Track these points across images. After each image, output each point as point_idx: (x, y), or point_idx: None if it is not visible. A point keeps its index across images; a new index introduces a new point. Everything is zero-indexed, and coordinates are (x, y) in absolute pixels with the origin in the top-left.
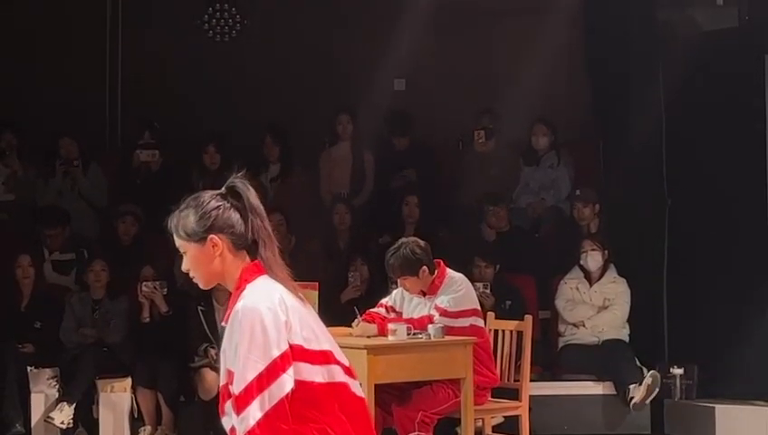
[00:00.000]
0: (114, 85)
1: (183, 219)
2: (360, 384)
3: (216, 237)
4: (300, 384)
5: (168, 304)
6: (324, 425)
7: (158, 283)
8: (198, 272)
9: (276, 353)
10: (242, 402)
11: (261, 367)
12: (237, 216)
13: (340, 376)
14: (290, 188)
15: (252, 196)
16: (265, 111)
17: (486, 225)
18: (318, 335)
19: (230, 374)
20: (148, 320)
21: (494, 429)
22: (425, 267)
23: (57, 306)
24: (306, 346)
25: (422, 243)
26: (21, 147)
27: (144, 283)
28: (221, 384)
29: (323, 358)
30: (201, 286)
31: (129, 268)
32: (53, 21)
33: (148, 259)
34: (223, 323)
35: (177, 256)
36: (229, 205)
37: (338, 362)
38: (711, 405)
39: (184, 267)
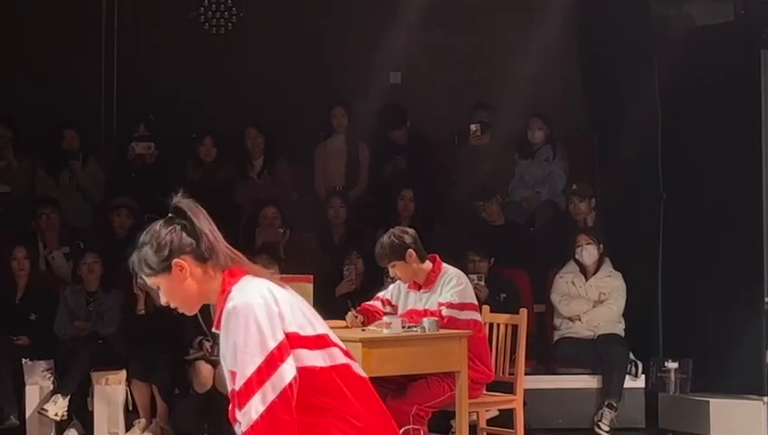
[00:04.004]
0: (110, 77)
1: (143, 257)
2: None
3: (180, 260)
4: (303, 371)
5: None
6: (341, 413)
7: None
8: (177, 300)
9: (273, 345)
10: (243, 397)
11: (259, 360)
12: (189, 234)
13: (341, 358)
14: (282, 181)
15: (196, 215)
16: (261, 104)
17: (480, 219)
18: (311, 320)
19: (233, 376)
20: (143, 312)
21: (489, 422)
22: (411, 251)
23: (52, 299)
24: (302, 333)
25: (409, 230)
26: (16, 139)
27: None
28: (229, 389)
29: (321, 342)
30: (187, 313)
31: (124, 261)
32: (49, 14)
33: None
34: (214, 329)
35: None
36: (180, 226)
37: (335, 344)
38: (705, 399)
39: (162, 301)
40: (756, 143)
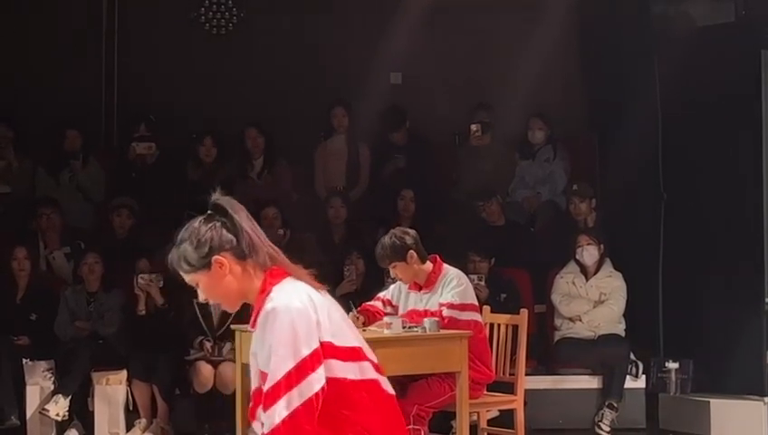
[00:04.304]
0: (110, 77)
1: (182, 254)
2: None
3: (220, 257)
4: (332, 381)
5: (163, 296)
6: (362, 429)
7: (153, 275)
8: (217, 296)
9: (306, 352)
10: (269, 399)
11: (290, 365)
12: (229, 231)
13: (371, 373)
14: (282, 181)
15: (237, 213)
16: (261, 104)
17: (481, 219)
18: (346, 332)
19: (263, 376)
20: (143, 313)
21: (490, 422)
22: (412, 252)
23: (53, 299)
24: (336, 343)
25: (410, 231)
26: (16, 139)
27: (140, 275)
28: (253, 388)
29: (354, 355)
30: (228, 310)
31: (124, 261)
32: (50, 14)
33: (143, 252)
34: (250, 328)
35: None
36: (220, 223)
37: (367, 359)
38: (706, 399)
39: (201, 298)
40: (757, 143)
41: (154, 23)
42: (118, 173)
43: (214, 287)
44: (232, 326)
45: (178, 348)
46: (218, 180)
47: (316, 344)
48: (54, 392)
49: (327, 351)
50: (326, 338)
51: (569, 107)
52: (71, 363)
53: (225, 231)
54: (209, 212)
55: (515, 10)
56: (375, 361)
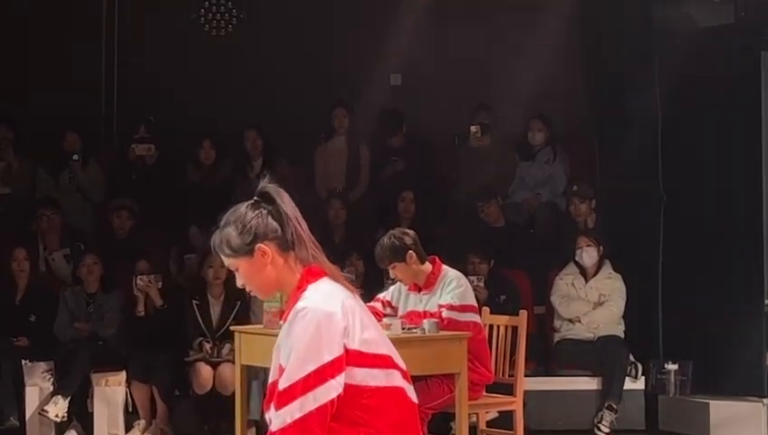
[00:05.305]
0: (110, 79)
1: (226, 237)
2: None
3: (264, 246)
4: (353, 389)
5: (163, 297)
6: (374, 431)
7: (152, 276)
8: (254, 284)
9: (328, 358)
10: (283, 399)
11: (310, 369)
12: (275, 220)
13: (398, 380)
14: (281, 182)
15: (284, 201)
16: (261, 105)
17: (480, 220)
18: (377, 339)
19: (282, 371)
20: (143, 314)
21: (489, 424)
22: (412, 253)
23: (52, 300)
24: (365, 350)
25: (409, 231)
26: (16, 141)
27: (139, 276)
28: (270, 381)
29: (382, 362)
30: (260, 297)
31: (124, 262)
32: (50, 14)
33: (143, 253)
34: (281, 322)
35: (172, 249)
36: (266, 211)
37: (396, 367)
38: (705, 401)
39: (239, 283)
40: (756, 145)
41: (154, 24)
42: (117, 174)
43: (253, 275)
44: (231, 327)
45: (178, 349)
46: (218, 181)
47: (339, 352)
48: (54, 393)
49: (352, 358)
50: (353, 346)
51: (569, 108)
52: (70, 364)
53: (270, 219)
54: (256, 199)
55: (515, 10)
56: (404, 368)
